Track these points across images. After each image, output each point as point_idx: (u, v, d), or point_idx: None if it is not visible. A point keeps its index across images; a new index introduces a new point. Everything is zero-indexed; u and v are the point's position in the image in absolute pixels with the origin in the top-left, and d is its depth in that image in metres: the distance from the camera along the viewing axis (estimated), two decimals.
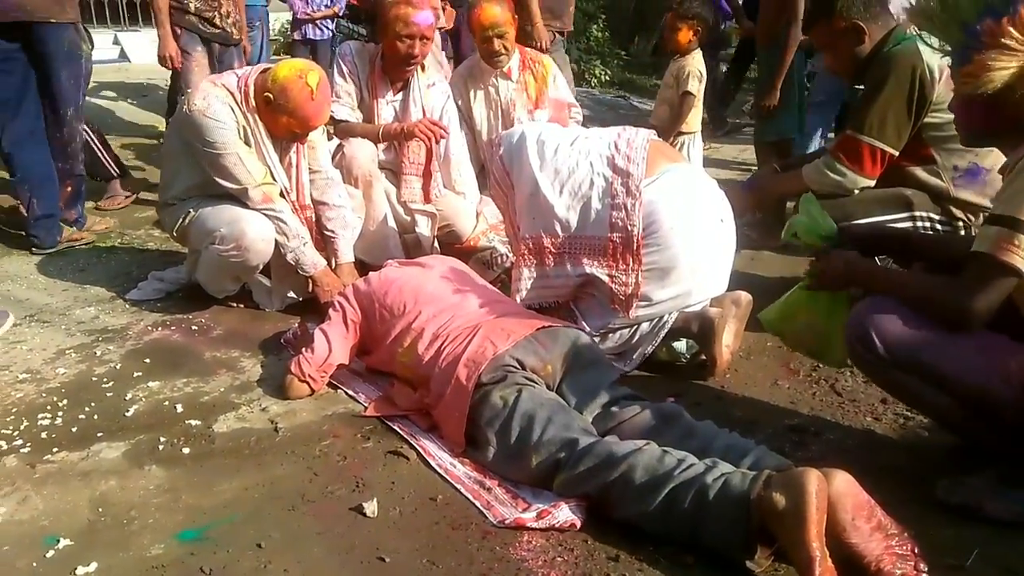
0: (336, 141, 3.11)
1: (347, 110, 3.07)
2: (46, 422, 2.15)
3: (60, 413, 2.19)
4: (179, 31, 3.93)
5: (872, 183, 2.46)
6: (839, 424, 2.12)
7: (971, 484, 1.66)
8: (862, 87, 2.52)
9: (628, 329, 2.37)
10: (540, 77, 3.43)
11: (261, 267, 2.74)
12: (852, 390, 2.27)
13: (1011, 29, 1.45)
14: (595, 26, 8.59)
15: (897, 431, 2.06)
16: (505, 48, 3.28)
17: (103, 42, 8.01)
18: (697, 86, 3.59)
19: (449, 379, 1.99)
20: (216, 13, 3.97)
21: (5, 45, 3.23)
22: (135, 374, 2.41)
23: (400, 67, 3.04)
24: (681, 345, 2.44)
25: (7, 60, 3.26)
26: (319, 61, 5.57)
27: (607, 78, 8.36)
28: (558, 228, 2.32)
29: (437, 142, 3.08)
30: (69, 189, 3.54)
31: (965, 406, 1.62)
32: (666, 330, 2.35)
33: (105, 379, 2.38)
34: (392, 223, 3.08)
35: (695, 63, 3.60)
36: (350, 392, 2.28)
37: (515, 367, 1.94)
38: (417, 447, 1.98)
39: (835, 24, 2.47)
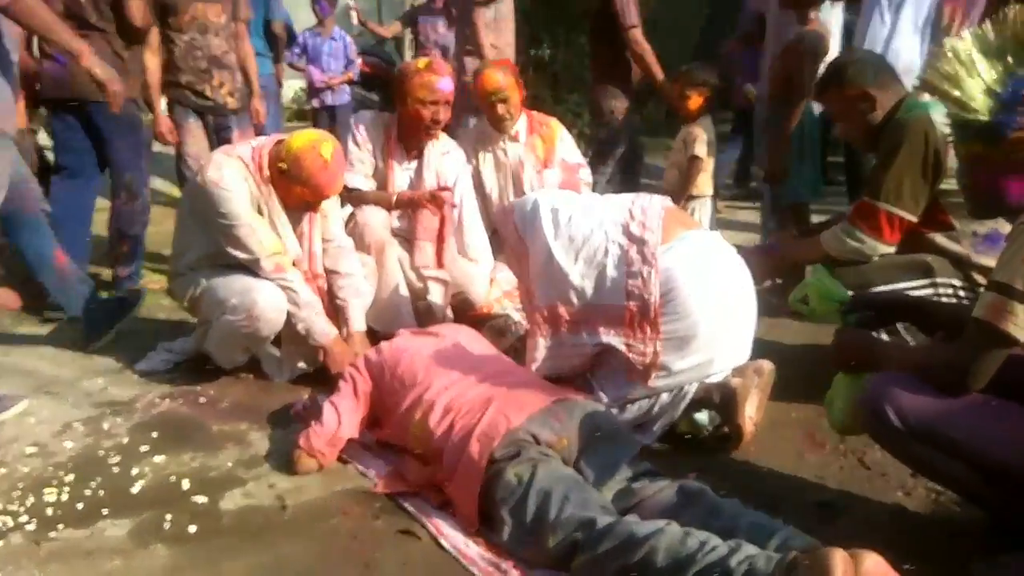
0: (349, 208, 3.11)
1: (361, 178, 3.09)
2: (52, 498, 2.10)
3: (66, 488, 2.14)
4: (172, 104, 3.98)
5: (892, 249, 2.43)
6: (868, 499, 2.03)
7: (1008, 563, 1.58)
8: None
9: (648, 400, 2.31)
10: (548, 138, 3.46)
11: (272, 337, 2.70)
12: (881, 463, 2.18)
13: None
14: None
15: (929, 506, 1.97)
16: (510, 113, 3.31)
17: None
18: (705, 150, 3.61)
19: (461, 454, 1.92)
20: (207, 85, 3.98)
21: (67, 118, 3.42)
22: (142, 448, 2.36)
23: (423, 133, 3.08)
24: (703, 417, 2.37)
25: (69, 131, 3.45)
26: (340, 127, 5.63)
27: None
28: (573, 296, 2.28)
29: (444, 210, 3.07)
30: (125, 249, 3.68)
31: (987, 479, 1.56)
32: (687, 401, 2.28)
33: (112, 453, 2.33)
34: (405, 291, 3.06)
35: (704, 128, 3.63)
36: (360, 467, 2.21)
37: (530, 441, 1.88)
38: (429, 526, 1.91)
39: (845, 92, 2.48)
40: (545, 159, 3.44)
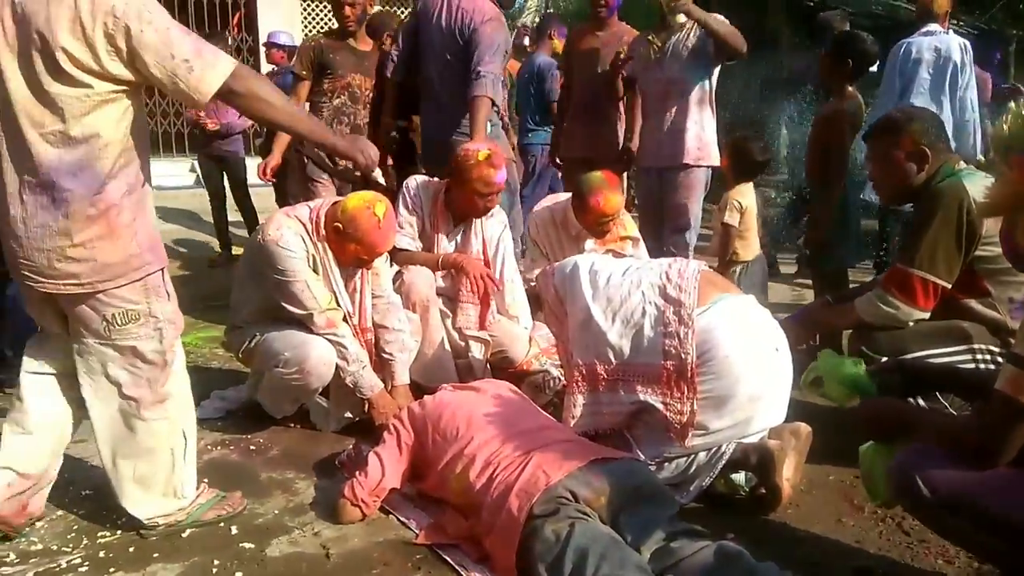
0: (397, 267, 3.24)
1: (408, 240, 3.22)
2: (105, 540, 2.19)
3: (119, 532, 2.24)
4: (307, 160, 4.02)
5: (927, 315, 2.45)
6: (909, 566, 2.03)
7: None
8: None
9: (685, 459, 2.34)
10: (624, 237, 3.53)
11: (320, 389, 2.81)
12: (920, 530, 2.16)
13: None
14: None
15: (971, 575, 1.95)
16: (614, 226, 3.38)
17: (180, 169, 8.59)
18: (736, 218, 3.62)
19: (500, 509, 1.98)
20: None
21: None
22: None
23: (474, 216, 3.24)
24: (740, 477, 2.39)
25: None
26: None
27: None
28: (611, 355, 2.35)
29: (487, 293, 3.20)
30: None
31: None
32: (724, 461, 2.31)
33: None
34: (447, 348, 3.16)
35: (738, 194, 3.66)
36: (402, 518, 2.27)
37: (568, 499, 1.92)
38: None
39: (902, 143, 2.50)
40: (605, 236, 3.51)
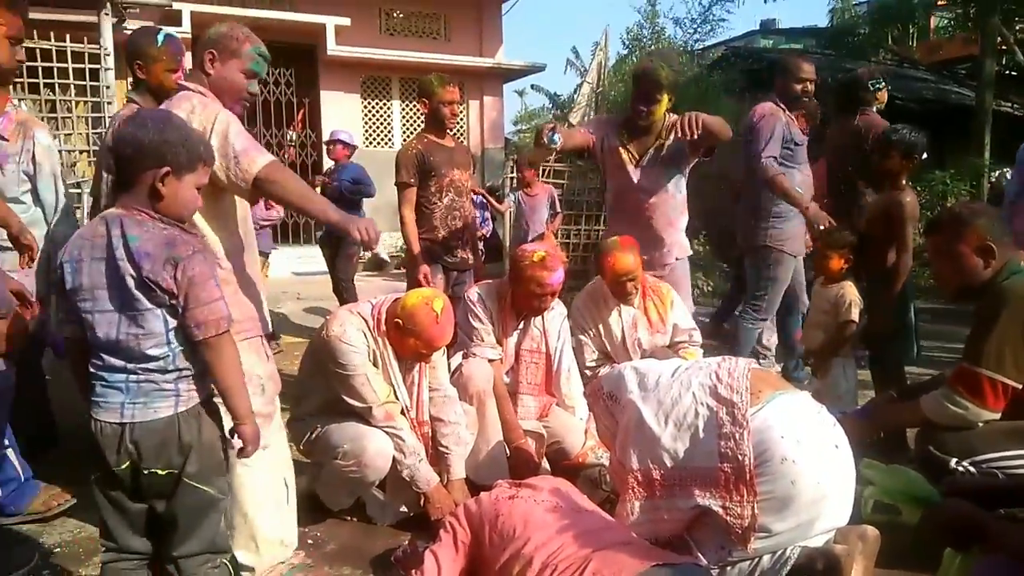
0: (456, 360, 3.30)
1: (490, 350, 3.28)
2: None
3: None
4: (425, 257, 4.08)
5: (997, 415, 2.38)
6: None
7: None
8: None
9: (748, 563, 2.28)
10: (661, 304, 3.58)
11: (377, 483, 2.85)
12: None
13: None
14: (696, 241, 8.93)
15: None
16: (636, 288, 3.47)
17: (313, 252, 8.66)
18: (858, 314, 3.60)
19: None
20: (459, 241, 4.13)
21: None
22: None
23: (530, 315, 3.31)
24: None
25: None
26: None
27: (708, 289, 8.55)
28: (666, 459, 2.33)
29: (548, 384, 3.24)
30: None
31: None
32: (789, 566, 2.24)
33: None
34: (503, 442, 3.17)
35: (853, 291, 3.63)
36: None
37: None
38: None
39: (968, 238, 2.49)
40: (658, 323, 3.56)
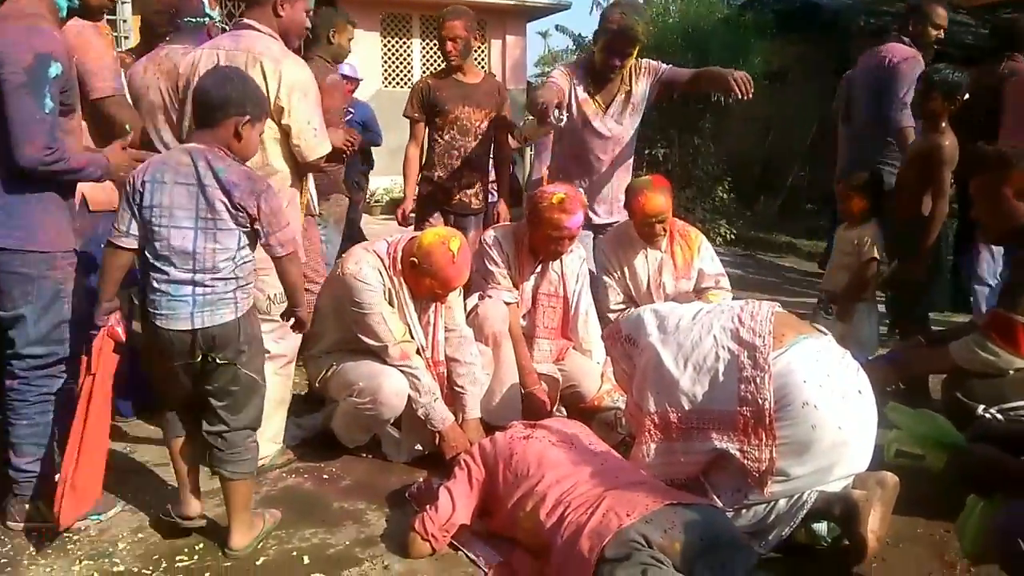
0: (472, 301, 3.26)
1: (507, 294, 3.22)
2: (183, 563, 2.26)
3: (196, 557, 2.30)
4: (423, 198, 4.00)
5: None
6: None
7: None
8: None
9: (764, 506, 2.25)
10: (688, 248, 3.51)
11: (392, 420, 2.84)
12: None
13: None
14: (720, 187, 8.77)
15: None
16: (664, 230, 3.39)
17: None
18: (879, 253, 3.51)
19: (571, 550, 1.95)
20: (457, 183, 3.95)
21: None
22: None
23: (548, 257, 3.24)
24: (822, 527, 2.29)
25: None
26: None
27: (732, 237, 8.42)
28: (684, 402, 2.29)
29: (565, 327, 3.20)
30: None
31: None
32: (805, 510, 2.22)
33: None
34: (518, 383, 3.15)
35: (874, 230, 3.53)
36: (471, 555, 2.26)
37: (641, 544, 1.88)
38: None
39: (1012, 179, 2.39)
40: (685, 269, 3.49)
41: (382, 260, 2.81)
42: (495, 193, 4.37)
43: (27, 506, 2.39)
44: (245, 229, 2.19)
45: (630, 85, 3.60)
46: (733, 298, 3.55)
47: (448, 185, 3.95)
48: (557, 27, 19.32)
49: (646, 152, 8.62)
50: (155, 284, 2.14)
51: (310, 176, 3.13)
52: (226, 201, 2.14)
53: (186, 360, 2.19)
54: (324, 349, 2.94)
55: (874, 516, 2.17)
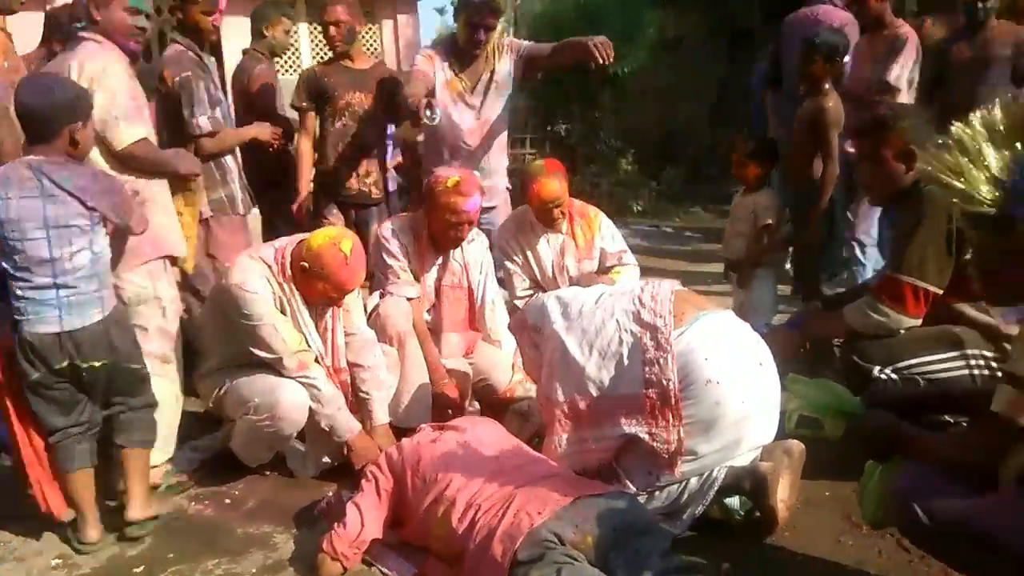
0: (373, 300, 3.14)
1: (409, 288, 3.11)
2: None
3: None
4: (318, 194, 3.87)
5: (918, 322, 2.37)
6: None
7: None
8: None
9: (676, 486, 2.25)
10: (588, 229, 3.46)
11: (294, 435, 2.71)
12: None
13: None
14: (624, 160, 8.84)
15: None
16: (562, 214, 3.34)
17: None
18: (776, 218, 3.54)
19: (484, 555, 1.89)
20: (353, 172, 3.80)
21: None
22: (168, 555, 2.36)
23: (448, 245, 3.14)
24: (734, 501, 2.30)
25: None
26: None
27: (639, 209, 8.51)
28: (592, 388, 2.26)
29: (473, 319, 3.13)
30: None
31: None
32: (716, 487, 2.22)
33: (136, 563, 2.33)
34: (427, 382, 3.05)
35: (768, 196, 3.56)
36: (384, 570, 2.18)
37: (553, 542, 1.83)
38: None
39: (891, 141, 2.42)
40: (586, 249, 3.45)
41: (270, 267, 2.65)
42: (394, 182, 4.23)
43: None
44: (99, 227, 2.30)
45: (494, 64, 3.52)
46: (641, 272, 3.57)
47: (344, 174, 3.81)
48: (452, 2, 18.94)
49: (548, 129, 8.62)
50: (18, 292, 2.24)
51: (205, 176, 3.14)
52: (78, 206, 2.24)
53: (58, 364, 2.25)
54: (215, 366, 2.77)
55: (783, 485, 2.19)
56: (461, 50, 3.50)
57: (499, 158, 3.71)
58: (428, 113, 3.12)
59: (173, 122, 3.25)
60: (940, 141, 1.59)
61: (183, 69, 3.19)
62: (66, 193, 2.22)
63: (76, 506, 2.40)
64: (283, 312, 2.66)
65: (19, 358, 2.27)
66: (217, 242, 3.39)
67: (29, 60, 3.53)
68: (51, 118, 2.24)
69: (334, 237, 2.63)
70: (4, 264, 2.22)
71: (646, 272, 3.74)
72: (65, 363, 2.26)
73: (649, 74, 8.79)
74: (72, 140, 2.27)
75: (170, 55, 3.26)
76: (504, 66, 3.53)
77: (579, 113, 8.48)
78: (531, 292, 3.47)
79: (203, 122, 3.23)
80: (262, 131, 3.55)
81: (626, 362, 2.24)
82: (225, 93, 3.79)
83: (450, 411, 2.99)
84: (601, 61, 3.27)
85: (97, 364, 2.31)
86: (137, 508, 2.42)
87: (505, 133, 3.75)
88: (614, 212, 8.18)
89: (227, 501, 2.69)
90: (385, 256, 3.11)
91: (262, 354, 2.62)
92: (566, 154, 8.65)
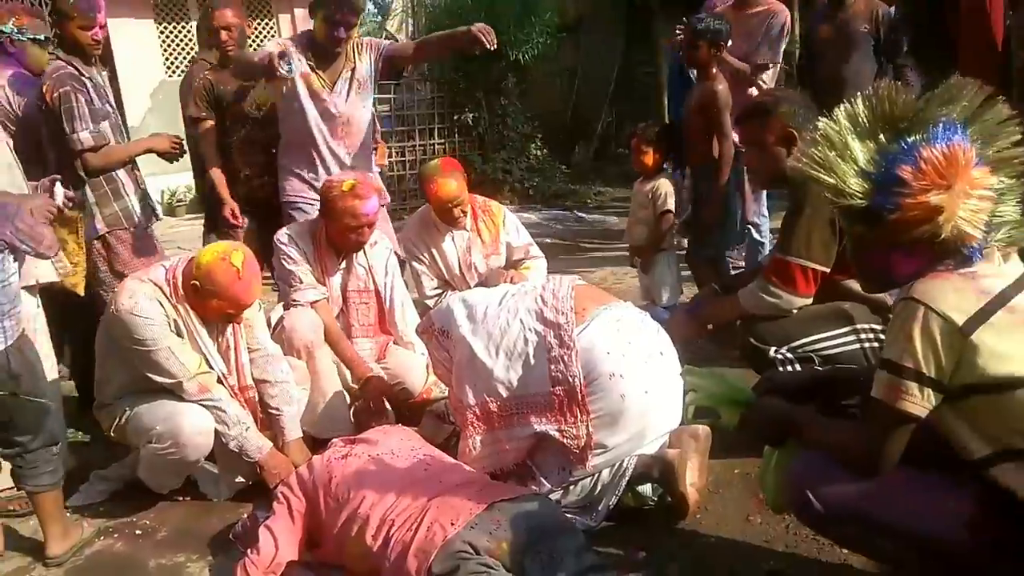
0: (277, 313, 3.06)
1: (312, 292, 3.03)
2: None
3: None
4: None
5: (809, 301, 2.45)
6: (816, 560, 2.04)
7: None
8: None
9: (589, 479, 2.29)
10: (492, 224, 3.45)
11: (201, 461, 2.63)
12: None
13: (936, 168, 1.43)
14: (533, 145, 8.86)
15: (874, 564, 1.96)
16: (464, 212, 3.32)
17: None
18: (673, 204, 3.60)
19: (399, 572, 1.88)
20: (269, 178, 3.68)
21: None
22: None
23: (349, 250, 3.07)
24: (647, 488, 2.35)
25: None
26: None
27: (551, 192, 8.56)
28: (501, 389, 2.27)
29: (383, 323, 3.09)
30: None
31: (918, 552, 1.55)
32: (627, 477, 2.27)
33: None
34: (340, 391, 3.00)
35: (666, 183, 3.62)
36: None
37: (468, 553, 1.83)
38: None
39: (771, 126, 2.48)
40: (492, 244, 3.44)
41: (161, 289, 2.54)
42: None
43: None
44: (8, 255, 2.19)
45: (354, 61, 3.41)
46: (561, 258, 3.60)
47: (260, 182, 3.71)
48: None
49: (455, 118, 8.56)
50: None
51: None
52: None
53: None
54: (113, 394, 2.64)
55: (691, 470, 2.25)
56: (319, 46, 3.35)
57: (365, 163, 3.57)
58: (284, 65, 3.01)
59: (58, 139, 3.12)
60: (810, 135, 1.64)
61: (61, 84, 3.05)
62: None
63: None
64: (179, 334, 2.56)
65: None
66: (119, 258, 3.28)
67: None
68: None
69: (223, 251, 2.55)
70: None
71: (564, 258, 3.78)
72: None
73: (552, 57, 8.82)
74: None
75: (48, 71, 3.13)
76: (364, 65, 3.42)
77: (484, 100, 8.44)
78: (440, 291, 3.45)
79: (84, 136, 3.08)
80: (158, 142, 3.36)
81: (532, 361, 2.25)
82: (118, 105, 3.61)
83: (380, 397, 2.98)
84: (489, 47, 3.23)
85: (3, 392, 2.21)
86: (55, 545, 2.42)
87: (370, 136, 3.65)
88: (526, 197, 8.29)
89: (138, 532, 2.58)
90: (285, 262, 3.03)
91: (160, 379, 2.52)
92: (474, 142, 8.62)
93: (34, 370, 2.32)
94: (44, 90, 3.07)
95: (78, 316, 3.21)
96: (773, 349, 2.42)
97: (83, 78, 3.14)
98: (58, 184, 2.43)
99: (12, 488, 2.65)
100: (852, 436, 1.59)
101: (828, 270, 2.42)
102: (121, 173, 3.28)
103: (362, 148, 3.54)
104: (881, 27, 4.10)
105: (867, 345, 2.39)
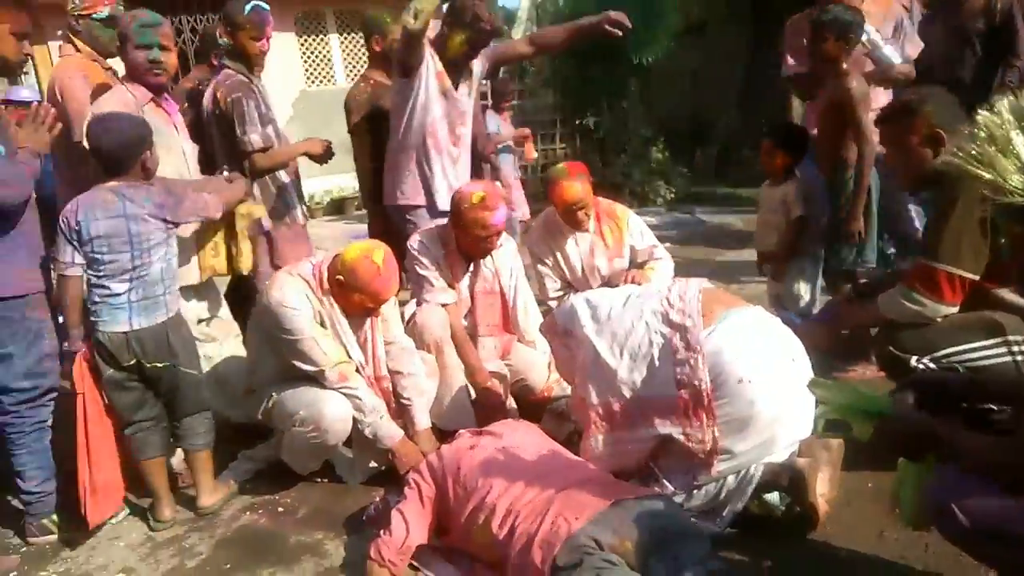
0: (411, 309, 3.20)
1: (445, 295, 3.16)
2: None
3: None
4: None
5: (955, 310, 2.32)
6: None
7: None
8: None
9: (714, 484, 2.27)
10: (616, 227, 3.47)
11: (339, 445, 2.79)
12: None
13: None
14: (655, 148, 8.76)
15: None
16: (587, 215, 3.36)
17: None
18: (806, 209, 3.46)
19: (525, 561, 1.93)
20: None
21: None
22: (224, 566, 2.46)
23: (478, 257, 3.19)
24: (774, 496, 2.30)
25: None
26: None
27: (672, 196, 8.43)
28: (625, 391, 2.29)
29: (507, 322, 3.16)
30: None
31: None
32: (753, 484, 2.23)
33: (194, 573, 2.44)
34: (466, 385, 3.11)
35: (799, 186, 3.47)
36: (430, 575, 2.23)
37: (592, 548, 1.86)
38: None
39: (916, 126, 2.38)
40: (616, 247, 3.46)
41: (308, 283, 2.73)
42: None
43: (44, 522, 2.69)
44: (173, 238, 2.65)
45: (471, 64, 3.52)
46: (680, 263, 3.54)
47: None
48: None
49: (577, 123, 8.58)
50: (96, 299, 2.54)
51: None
52: (157, 222, 2.57)
53: (126, 362, 2.56)
54: (262, 380, 2.85)
55: (822, 480, 2.19)
56: (447, 53, 3.43)
57: (465, 164, 3.67)
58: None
59: (228, 140, 3.37)
60: (966, 130, 1.56)
61: (234, 90, 3.30)
62: (147, 211, 2.54)
63: (151, 490, 2.75)
64: (323, 325, 2.73)
65: (95, 358, 2.58)
66: (279, 253, 3.50)
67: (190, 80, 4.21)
68: (126, 154, 2.55)
69: (367, 250, 2.70)
70: (88, 272, 2.52)
71: (686, 262, 3.68)
72: (132, 361, 2.57)
73: (675, 61, 8.70)
74: (144, 167, 2.60)
75: (220, 78, 3.38)
76: (478, 68, 3.54)
77: (607, 105, 8.43)
78: (563, 293, 3.50)
79: (254, 138, 3.32)
80: (313, 145, 3.54)
81: (657, 363, 2.26)
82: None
83: (494, 409, 3.04)
84: (618, 33, 3.28)
85: (160, 366, 2.60)
86: (205, 497, 2.79)
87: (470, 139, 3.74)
88: (647, 201, 8.21)
89: (280, 509, 2.78)
90: (417, 267, 3.17)
91: (304, 367, 2.70)
92: (596, 146, 8.62)
93: (188, 347, 2.72)
94: (217, 96, 3.33)
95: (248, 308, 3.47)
96: (915, 359, 2.31)
97: (252, 85, 3.39)
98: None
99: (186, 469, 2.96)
100: (1007, 451, 1.51)
101: (977, 277, 2.29)
102: (283, 174, 3.52)
103: (465, 149, 3.65)
104: (999, 17, 3.88)
105: (1020, 358, 2.24)
